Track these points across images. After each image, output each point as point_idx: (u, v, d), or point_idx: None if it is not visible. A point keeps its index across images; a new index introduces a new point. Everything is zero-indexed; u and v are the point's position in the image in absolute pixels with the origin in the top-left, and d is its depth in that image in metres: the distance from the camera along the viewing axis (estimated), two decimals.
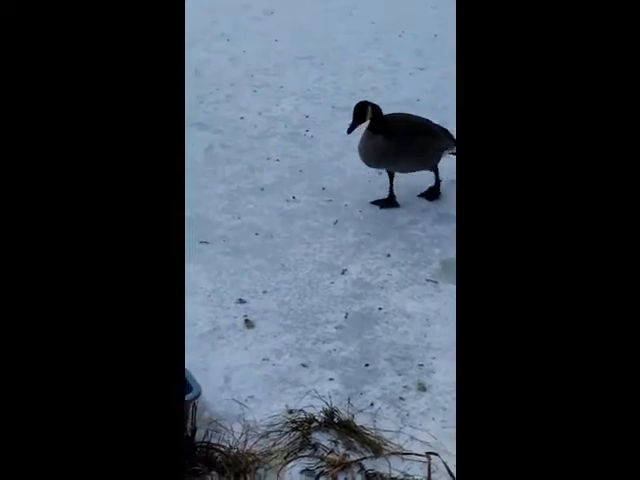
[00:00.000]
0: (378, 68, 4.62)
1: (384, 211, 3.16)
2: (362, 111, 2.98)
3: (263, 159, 3.59)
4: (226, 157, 3.61)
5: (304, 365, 2.32)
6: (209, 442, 1.86)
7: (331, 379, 2.26)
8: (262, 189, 3.33)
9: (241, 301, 2.62)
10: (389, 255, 2.88)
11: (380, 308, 2.59)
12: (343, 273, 2.78)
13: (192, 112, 4.01)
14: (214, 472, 1.79)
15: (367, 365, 2.32)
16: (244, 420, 2.04)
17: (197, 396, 2.00)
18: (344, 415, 2.05)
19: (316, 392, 2.14)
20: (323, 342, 2.43)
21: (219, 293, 2.66)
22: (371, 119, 3.01)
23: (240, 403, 2.13)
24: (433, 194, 3.25)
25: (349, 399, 2.12)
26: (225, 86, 4.32)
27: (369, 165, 3.13)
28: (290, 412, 2.09)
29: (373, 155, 3.06)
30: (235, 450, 1.87)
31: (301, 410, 2.06)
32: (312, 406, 2.08)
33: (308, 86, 4.34)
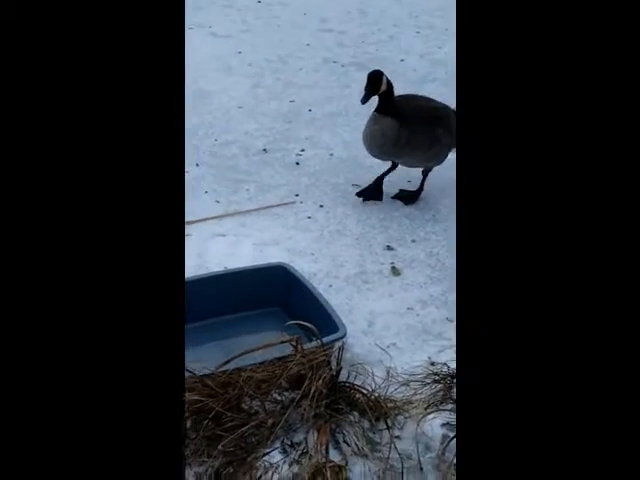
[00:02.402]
0: None
1: None
2: (377, 81, 2.65)
3: None
4: None
5: (449, 319, 2.30)
6: (353, 383, 1.90)
7: None
8: None
9: (389, 248, 2.62)
10: None
11: None
12: None
13: (353, 51, 3.99)
14: (355, 412, 1.83)
15: None
16: (386, 366, 2.06)
17: (343, 336, 2.05)
18: None
19: None
20: None
21: (367, 238, 2.68)
22: (381, 95, 2.66)
23: (382, 349, 2.15)
24: (412, 197, 2.85)
25: None
26: (388, 26, 4.24)
27: (374, 155, 2.77)
28: (432, 364, 2.09)
29: (381, 142, 2.69)
30: (376, 394, 1.90)
31: (444, 364, 2.05)
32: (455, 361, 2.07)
33: None
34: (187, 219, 2.71)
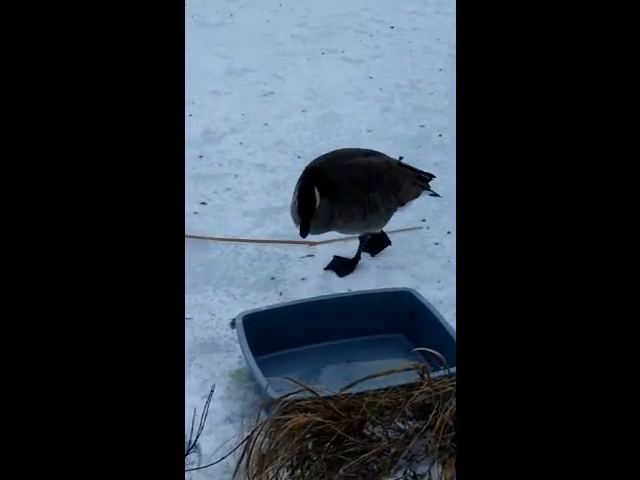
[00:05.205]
0: None
1: None
2: (310, 198, 2.32)
3: None
4: None
5: None
6: None
7: None
8: None
9: None
10: None
11: None
12: None
13: None
14: None
15: None
16: None
17: None
18: None
19: None
20: None
21: None
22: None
23: None
24: (347, 267, 2.55)
25: None
26: None
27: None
28: None
29: (313, 224, 2.38)
30: None
31: None
32: None
33: None
34: (313, 240, 2.72)
